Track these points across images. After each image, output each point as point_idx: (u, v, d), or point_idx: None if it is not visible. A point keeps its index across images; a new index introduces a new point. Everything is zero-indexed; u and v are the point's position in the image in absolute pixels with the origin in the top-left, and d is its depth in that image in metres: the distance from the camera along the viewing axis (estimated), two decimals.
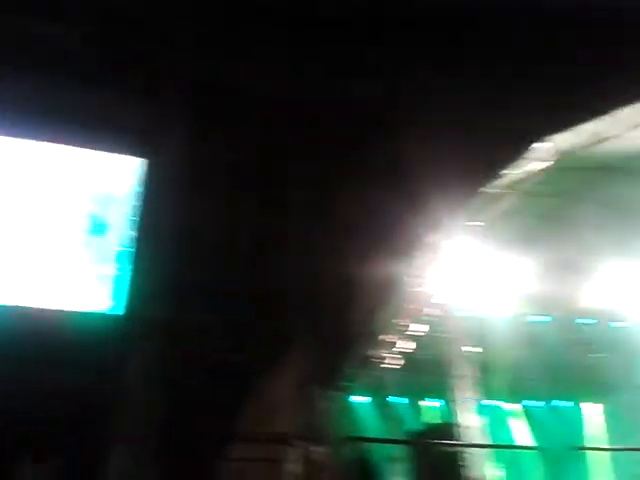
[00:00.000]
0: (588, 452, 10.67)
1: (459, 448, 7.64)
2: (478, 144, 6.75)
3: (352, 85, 6.51)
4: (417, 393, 10.22)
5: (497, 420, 10.69)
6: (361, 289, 6.88)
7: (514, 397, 10.81)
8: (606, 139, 7.89)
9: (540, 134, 7.30)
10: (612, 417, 10.86)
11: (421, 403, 10.32)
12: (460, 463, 7.52)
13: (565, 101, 7.26)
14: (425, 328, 8.34)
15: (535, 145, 7.60)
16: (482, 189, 7.65)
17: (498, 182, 7.83)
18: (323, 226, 6.38)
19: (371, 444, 8.33)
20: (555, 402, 11.36)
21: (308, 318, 6.10)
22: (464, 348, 8.04)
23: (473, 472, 7.46)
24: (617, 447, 9.48)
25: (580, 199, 9.77)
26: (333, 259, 6.29)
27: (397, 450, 8.99)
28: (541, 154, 7.66)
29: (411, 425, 9.66)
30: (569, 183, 9.37)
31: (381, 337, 8.14)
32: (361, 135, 6.50)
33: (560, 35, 6.52)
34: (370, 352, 8.14)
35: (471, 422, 7.86)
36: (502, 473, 8.99)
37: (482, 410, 9.90)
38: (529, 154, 7.61)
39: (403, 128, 6.30)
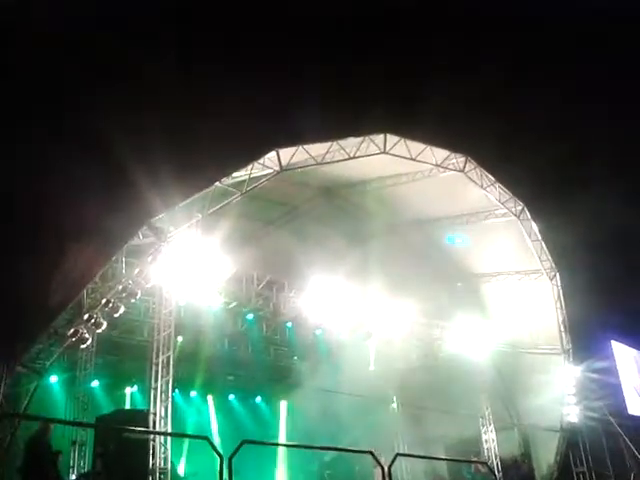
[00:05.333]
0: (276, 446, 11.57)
1: (147, 435, 7.62)
2: (209, 143, 6.98)
3: None
4: (114, 376, 9.99)
5: (190, 409, 10.97)
6: (64, 262, 6.59)
7: (209, 388, 11.18)
8: (326, 163, 8.79)
9: (269, 144, 7.83)
10: (294, 414, 11.89)
11: (117, 387, 10.11)
12: (147, 450, 7.53)
13: (294, 123, 7.95)
14: (127, 310, 8.19)
15: (266, 154, 8.12)
16: (211, 185, 7.90)
17: (227, 181, 8.18)
18: None
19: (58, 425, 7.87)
20: (249, 396, 12.05)
21: None
22: (165, 335, 8.09)
23: (160, 459, 7.54)
24: (297, 444, 10.23)
25: (300, 213, 10.66)
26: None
27: (83, 433, 8.70)
28: (268, 163, 8.20)
29: (104, 408, 9.40)
30: (291, 196, 10.16)
31: (82, 314, 7.83)
32: None
33: None
34: (65, 328, 7.76)
35: (164, 410, 7.90)
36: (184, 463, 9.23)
37: (177, 399, 10.09)
38: (258, 160, 8.11)
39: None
